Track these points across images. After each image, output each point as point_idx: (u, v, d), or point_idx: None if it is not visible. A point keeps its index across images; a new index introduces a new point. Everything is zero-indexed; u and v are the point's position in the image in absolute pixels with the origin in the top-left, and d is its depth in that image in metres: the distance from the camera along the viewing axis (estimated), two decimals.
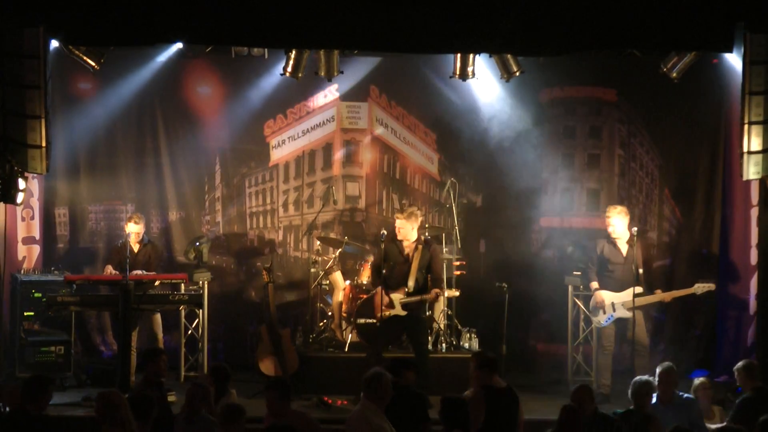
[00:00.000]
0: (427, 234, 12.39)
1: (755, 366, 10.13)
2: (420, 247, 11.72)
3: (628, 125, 14.03)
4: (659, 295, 12.08)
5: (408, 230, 11.70)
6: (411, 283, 11.69)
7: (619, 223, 12.14)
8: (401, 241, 11.77)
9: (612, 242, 12.20)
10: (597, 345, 12.50)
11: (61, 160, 13.51)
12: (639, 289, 11.96)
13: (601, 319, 12.13)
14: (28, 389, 8.48)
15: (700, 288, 12.07)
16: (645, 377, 9.42)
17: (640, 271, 12.04)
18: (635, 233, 11.84)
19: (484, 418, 9.00)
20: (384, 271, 11.82)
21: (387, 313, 11.65)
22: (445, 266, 12.77)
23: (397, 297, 11.67)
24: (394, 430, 8.24)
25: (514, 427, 8.97)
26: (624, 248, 12.12)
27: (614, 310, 12.03)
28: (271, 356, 12.05)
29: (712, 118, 13.84)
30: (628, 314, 11.89)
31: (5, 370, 12.16)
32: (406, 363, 9.36)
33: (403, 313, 11.66)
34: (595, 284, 12.23)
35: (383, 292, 11.67)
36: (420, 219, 12.01)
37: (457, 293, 12.80)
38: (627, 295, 11.90)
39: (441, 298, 12.79)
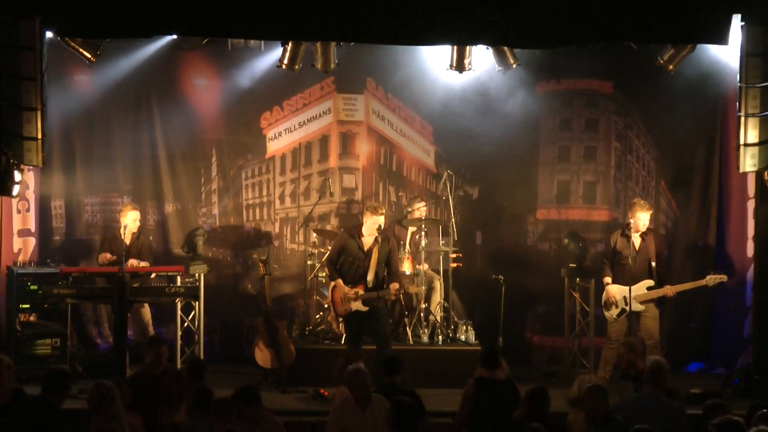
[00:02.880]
0: (422, 225, 12.32)
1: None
2: (379, 240, 11.66)
3: (624, 118, 14.03)
4: (671, 288, 12.02)
5: (382, 224, 11.70)
6: (370, 277, 11.60)
7: (647, 219, 12.09)
8: (361, 236, 11.73)
9: (626, 236, 12.13)
10: (606, 338, 12.38)
11: (57, 152, 13.50)
12: (651, 282, 11.95)
13: (614, 314, 12.07)
14: (51, 382, 8.51)
15: (711, 279, 12.02)
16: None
17: (653, 264, 12.01)
18: (647, 228, 11.95)
19: (474, 409, 9.08)
20: (338, 266, 11.75)
21: (348, 307, 11.63)
22: (441, 257, 12.81)
23: (359, 293, 11.61)
24: (371, 427, 8.29)
25: (507, 420, 8.95)
26: (637, 241, 12.07)
27: (626, 304, 11.96)
28: (268, 348, 12.05)
29: (708, 111, 13.84)
30: (640, 308, 11.88)
31: None
32: (398, 363, 9.41)
33: (365, 308, 11.58)
34: (608, 279, 12.18)
35: (344, 286, 11.66)
36: (412, 206, 12.09)
37: (420, 289, 12.67)
38: (639, 288, 11.86)
39: (438, 287, 12.85)
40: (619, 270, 12.15)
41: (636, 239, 12.07)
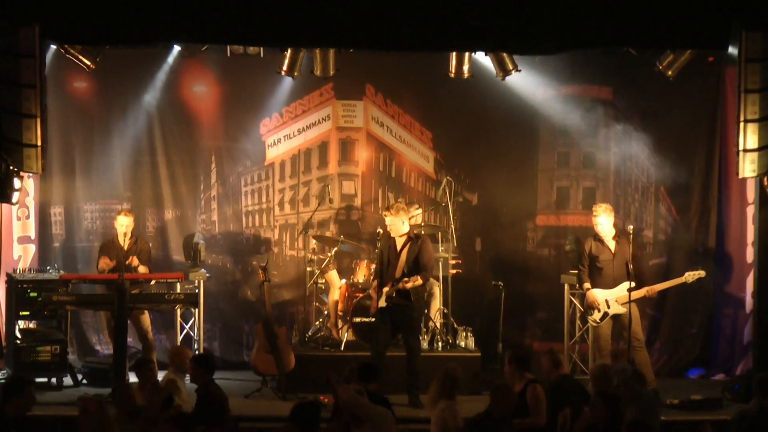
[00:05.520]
0: (422, 231, 12.33)
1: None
2: (410, 241, 11.70)
3: (623, 123, 14.01)
4: (649, 288, 12.04)
5: (398, 225, 11.67)
6: (398, 276, 11.64)
7: (605, 221, 12.14)
8: (394, 237, 11.76)
9: (599, 240, 12.19)
10: (593, 347, 12.47)
11: (56, 159, 13.50)
12: (631, 284, 11.97)
13: (597, 318, 12.12)
14: (4, 391, 8.28)
15: (690, 276, 12.07)
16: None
17: (630, 266, 12.03)
18: (619, 231, 11.96)
19: None
20: (380, 269, 11.82)
21: (375, 305, 11.67)
22: (440, 263, 12.80)
23: (385, 290, 11.66)
24: None
25: None
26: (612, 245, 12.13)
27: (608, 307, 12.02)
28: (267, 355, 12.03)
29: (707, 116, 13.83)
30: (622, 309, 11.92)
31: (1, 370, 12.17)
32: (374, 371, 9.45)
33: (384, 304, 11.59)
34: (587, 284, 12.22)
35: (376, 289, 11.74)
36: (409, 212, 12.10)
37: (419, 281, 12.68)
38: (619, 290, 11.94)
39: (437, 293, 12.84)
40: (598, 274, 12.21)
41: (610, 243, 12.13)
